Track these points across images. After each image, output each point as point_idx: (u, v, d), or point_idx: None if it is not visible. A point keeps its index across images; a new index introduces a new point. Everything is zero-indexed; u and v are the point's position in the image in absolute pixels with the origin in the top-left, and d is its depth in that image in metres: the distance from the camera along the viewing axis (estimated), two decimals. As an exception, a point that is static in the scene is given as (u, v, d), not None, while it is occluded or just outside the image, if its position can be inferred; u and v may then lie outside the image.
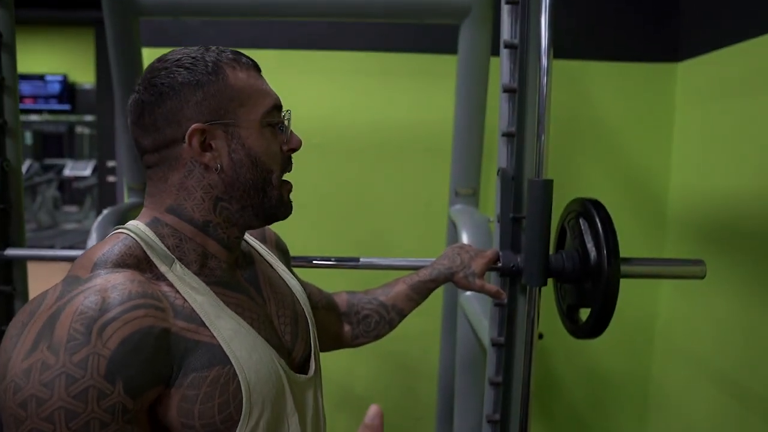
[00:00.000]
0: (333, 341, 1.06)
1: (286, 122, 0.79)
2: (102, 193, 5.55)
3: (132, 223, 0.73)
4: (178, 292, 0.68)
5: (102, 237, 1.65)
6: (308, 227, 2.05)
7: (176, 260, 0.71)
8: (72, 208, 8.17)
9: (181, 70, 0.72)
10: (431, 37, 2.08)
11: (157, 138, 0.72)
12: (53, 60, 7.23)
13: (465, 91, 1.76)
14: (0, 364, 0.59)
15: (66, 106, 7.54)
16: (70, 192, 8.10)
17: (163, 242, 0.72)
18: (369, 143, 2.11)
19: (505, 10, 1.14)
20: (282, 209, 0.79)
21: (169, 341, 0.64)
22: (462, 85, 1.76)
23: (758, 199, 1.66)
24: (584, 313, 1.12)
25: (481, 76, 1.73)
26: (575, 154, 2.12)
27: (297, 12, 1.70)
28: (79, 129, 8.25)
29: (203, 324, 0.67)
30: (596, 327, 1.03)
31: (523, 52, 1.11)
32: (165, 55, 0.75)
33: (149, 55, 1.85)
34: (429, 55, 2.09)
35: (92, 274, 0.64)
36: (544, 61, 1.02)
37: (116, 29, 1.69)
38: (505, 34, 1.14)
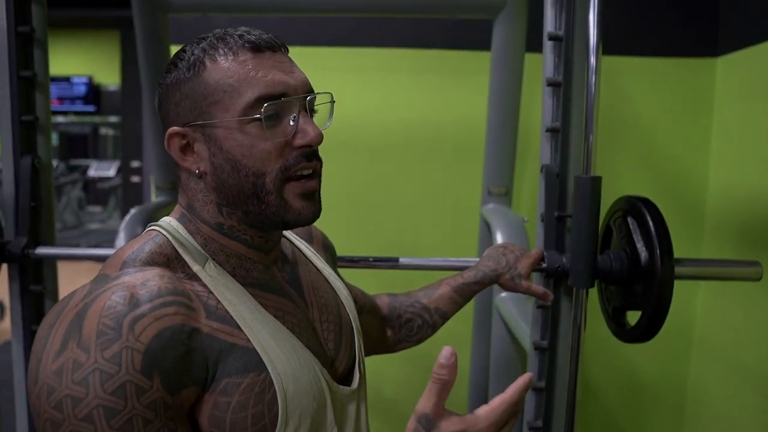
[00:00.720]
0: (374, 347, 1.01)
1: (293, 111, 0.66)
2: (126, 194, 5.61)
3: (165, 220, 0.71)
4: (211, 292, 0.64)
5: (130, 236, 1.63)
6: (335, 226, 2.02)
7: (210, 258, 0.68)
8: (96, 209, 8.30)
9: (171, 68, 0.68)
10: (458, 33, 2.04)
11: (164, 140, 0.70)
12: (79, 62, 7.33)
13: (499, 88, 1.71)
14: (32, 369, 0.56)
15: (91, 108, 7.65)
16: (94, 192, 8.21)
17: (194, 239, 0.69)
18: (396, 142, 2.08)
19: (549, 1, 1.10)
20: (290, 215, 0.68)
21: (201, 341, 0.60)
22: (496, 82, 1.71)
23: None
24: (631, 316, 1.07)
25: (516, 73, 1.69)
26: (610, 151, 2.06)
27: (325, 7, 1.67)
28: (103, 130, 8.37)
29: (238, 327, 0.63)
30: (648, 330, 0.98)
31: (568, 44, 1.07)
32: None
33: (178, 53, 1.84)
34: (456, 51, 2.04)
35: (121, 272, 0.62)
36: (593, 55, 0.98)
37: (145, 27, 1.68)
38: (549, 25, 1.10)
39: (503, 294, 1.56)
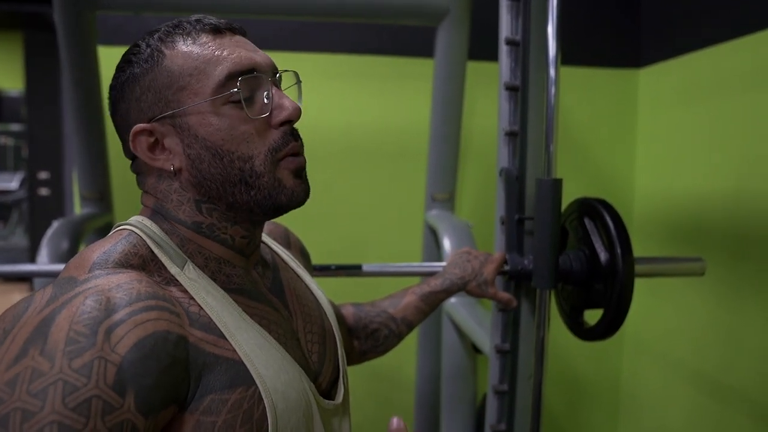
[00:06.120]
0: None
1: (265, 88, 0.62)
2: (33, 208, 5.20)
3: (136, 219, 0.64)
4: (192, 298, 0.58)
5: (55, 251, 1.50)
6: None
7: (188, 260, 0.62)
8: (-6, 225, 7.65)
9: (125, 65, 0.63)
10: (402, 40, 2.04)
11: (124, 146, 0.66)
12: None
13: (442, 94, 1.73)
14: None
15: (-12, 115, 7.05)
16: (-9, 207, 7.58)
17: (171, 240, 0.63)
18: (338, 148, 2.05)
19: (504, 6, 1.11)
20: (284, 196, 0.64)
21: (187, 351, 0.54)
22: (439, 88, 1.73)
23: (721, 199, 1.71)
24: (588, 315, 1.10)
25: (459, 80, 1.71)
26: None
27: (265, 10, 1.62)
28: (2, 139, 7.74)
29: (223, 336, 0.58)
30: (611, 328, 1.01)
31: (525, 48, 1.09)
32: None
33: (106, 55, 1.72)
34: (399, 58, 2.05)
35: (90, 275, 0.54)
36: (552, 62, 0.99)
37: (69, 25, 1.56)
38: (505, 30, 1.11)
39: (453, 300, 1.57)
